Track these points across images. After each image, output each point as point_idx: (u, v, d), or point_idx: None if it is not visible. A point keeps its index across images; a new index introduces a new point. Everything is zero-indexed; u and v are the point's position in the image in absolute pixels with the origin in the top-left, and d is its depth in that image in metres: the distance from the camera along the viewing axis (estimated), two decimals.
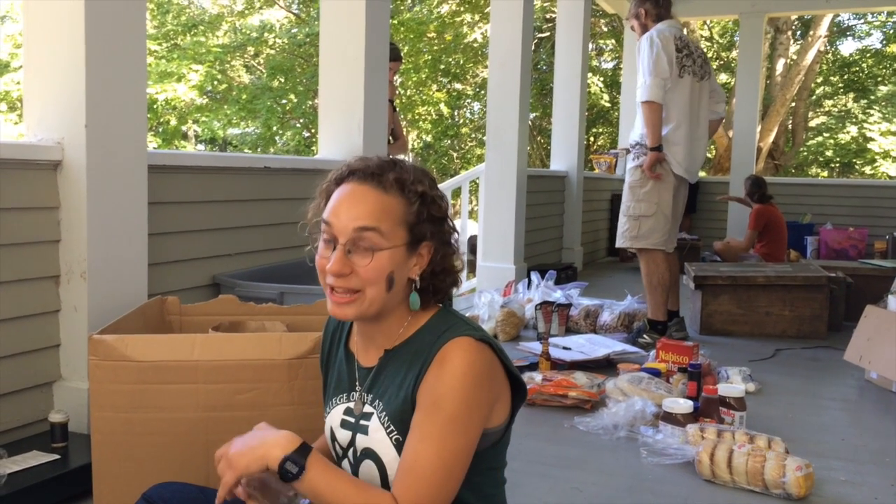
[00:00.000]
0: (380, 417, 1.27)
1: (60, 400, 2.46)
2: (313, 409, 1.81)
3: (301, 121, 15.73)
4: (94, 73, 2.40)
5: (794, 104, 15.15)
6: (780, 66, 14.33)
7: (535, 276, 4.92)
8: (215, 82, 15.18)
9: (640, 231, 4.06)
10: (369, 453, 1.28)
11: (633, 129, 4.15)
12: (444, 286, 1.31)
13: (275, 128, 15.34)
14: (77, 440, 2.31)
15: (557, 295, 4.61)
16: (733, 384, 3.09)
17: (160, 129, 15.30)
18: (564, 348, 3.66)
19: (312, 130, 15.39)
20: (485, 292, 4.60)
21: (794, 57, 14.40)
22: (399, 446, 1.24)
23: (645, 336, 4.01)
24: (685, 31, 4.17)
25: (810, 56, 13.91)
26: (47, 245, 2.44)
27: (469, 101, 17.17)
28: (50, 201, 2.43)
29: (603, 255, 8.40)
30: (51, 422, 2.27)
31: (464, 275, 6.58)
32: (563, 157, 7.11)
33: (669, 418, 2.61)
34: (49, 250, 2.44)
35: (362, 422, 1.30)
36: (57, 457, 2.18)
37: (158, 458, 1.80)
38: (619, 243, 4.18)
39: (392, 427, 1.25)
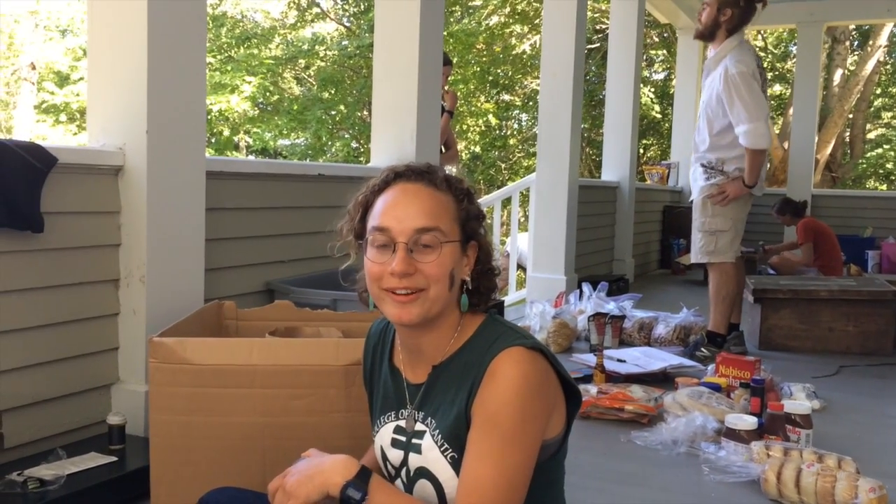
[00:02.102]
0: (433, 436, 1.23)
1: (118, 402, 2.48)
2: (368, 416, 1.79)
3: (350, 132, 15.86)
4: (155, 81, 2.42)
5: (851, 116, 14.77)
6: (837, 76, 13.99)
7: (586, 288, 4.85)
8: (267, 93, 15.40)
9: (717, 246, 3.97)
10: (424, 472, 1.25)
11: (701, 143, 4.03)
12: (491, 287, 1.29)
13: (324, 139, 15.50)
14: (134, 442, 2.32)
15: (610, 306, 4.53)
16: (797, 401, 2.98)
17: (213, 140, 15.57)
18: (619, 361, 3.58)
19: (361, 141, 15.51)
20: (536, 303, 4.54)
21: (852, 67, 14.05)
22: (455, 464, 1.20)
23: (703, 350, 3.91)
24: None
25: (869, 66, 13.55)
26: (108, 249, 2.47)
27: (517, 112, 17.12)
28: (111, 206, 2.46)
29: (654, 268, 8.26)
30: (109, 424, 2.28)
31: (512, 284, 6.55)
32: (614, 167, 7.02)
33: (732, 435, 2.52)
34: (109, 254, 2.47)
35: (415, 440, 1.27)
36: (114, 459, 2.19)
37: (216, 463, 1.80)
38: (696, 259, 4.10)
39: (447, 445, 1.22)
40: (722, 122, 3.90)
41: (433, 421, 1.24)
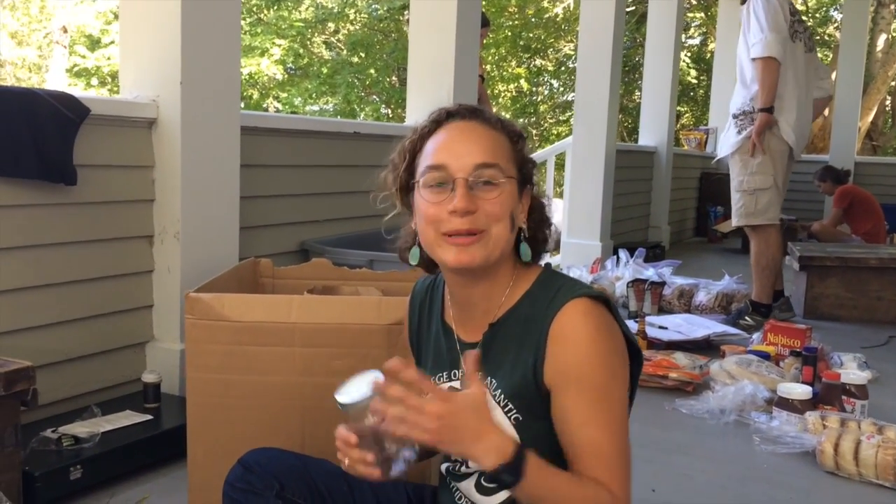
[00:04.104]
0: (495, 396, 1.15)
1: (153, 360, 2.44)
2: None
3: (380, 96, 15.70)
4: (189, 30, 2.34)
5: (894, 83, 14.32)
6: (881, 42, 13.53)
7: (623, 254, 4.73)
8: (297, 57, 15.27)
9: (756, 206, 3.80)
10: None
11: (735, 96, 3.89)
12: (545, 238, 1.22)
13: (354, 103, 15.37)
14: (169, 401, 2.29)
15: (649, 273, 4.42)
16: (850, 371, 2.86)
17: (242, 104, 15.48)
18: (661, 327, 3.48)
19: (391, 107, 15.36)
20: (573, 268, 4.46)
21: None
22: (519, 425, 1.12)
23: (747, 318, 3.79)
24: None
25: None
26: (141, 204, 2.41)
27: (548, 78, 16.83)
28: (144, 160, 2.40)
29: (690, 235, 8.09)
30: (144, 382, 2.24)
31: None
32: (652, 131, 6.85)
33: (785, 404, 2.42)
34: (143, 209, 2.41)
35: None
36: (149, 417, 2.16)
37: (254, 423, 1.73)
38: (737, 222, 3.94)
39: (511, 405, 1.14)
40: (747, 57, 3.76)
41: (494, 381, 1.16)
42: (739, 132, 3.82)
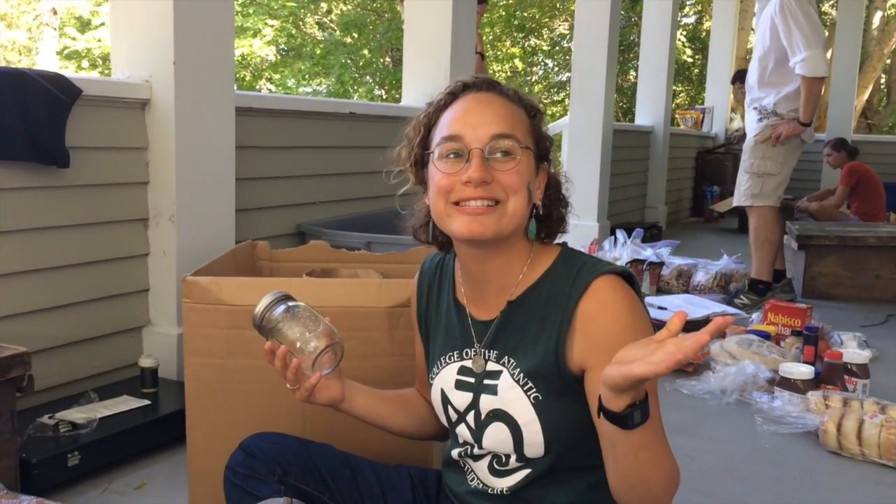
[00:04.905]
0: (513, 374, 1.12)
1: (149, 345, 2.42)
2: (413, 361, 1.69)
3: (374, 78, 15.59)
4: (182, 7, 2.29)
5: (889, 61, 14.29)
6: (877, 19, 13.48)
7: (620, 234, 4.71)
8: (289, 38, 15.14)
9: (762, 189, 3.84)
10: (499, 415, 1.13)
11: (754, 87, 3.90)
12: (562, 218, 1.19)
13: (347, 85, 15.27)
14: (167, 386, 2.26)
15: (647, 253, 4.40)
16: (850, 350, 2.85)
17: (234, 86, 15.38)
18: (660, 308, 3.47)
19: (385, 88, 15.26)
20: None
21: (892, 11, 13.52)
22: (538, 404, 1.09)
23: (743, 297, 3.78)
24: None
25: None
26: (135, 187, 2.37)
27: (542, 57, 16.74)
28: (138, 141, 2.36)
29: (687, 216, 8.08)
30: (141, 367, 2.22)
31: None
32: (648, 111, 6.80)
33: (787, 384, 2.41)
34: (137, 192, 2.38)
35: (487, 381, 1.15)
36: (147, 402, 2.13)
37: (254, 407, 1.71)
38: (738, 202, 3.97)
39: (531, 384, 1.11)
40: (775, 58, 3.74)
41: (512, 360, 1.13)
42: (760, 120, 3.86)
